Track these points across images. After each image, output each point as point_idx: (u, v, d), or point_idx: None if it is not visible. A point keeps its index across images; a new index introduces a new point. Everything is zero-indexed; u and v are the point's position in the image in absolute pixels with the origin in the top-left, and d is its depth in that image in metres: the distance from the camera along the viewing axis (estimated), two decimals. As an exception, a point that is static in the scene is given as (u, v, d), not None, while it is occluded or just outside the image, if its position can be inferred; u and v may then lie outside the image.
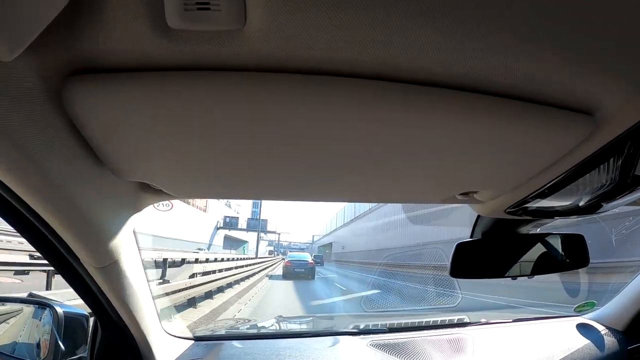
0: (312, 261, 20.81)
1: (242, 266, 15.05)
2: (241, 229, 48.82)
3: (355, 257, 32.55)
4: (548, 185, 0.77)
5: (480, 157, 0.67)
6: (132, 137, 0.60)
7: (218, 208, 46.02)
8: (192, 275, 9.09)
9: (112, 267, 0.89)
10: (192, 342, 1.41)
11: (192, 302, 7.42)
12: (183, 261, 11.26)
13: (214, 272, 10.50)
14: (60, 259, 0.85)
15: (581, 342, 1.43)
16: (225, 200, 41.86)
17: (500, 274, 1.16)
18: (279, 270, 21.15)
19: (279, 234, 63.62)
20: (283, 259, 29.98)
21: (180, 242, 26.21)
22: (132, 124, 0.56)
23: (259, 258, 27.88)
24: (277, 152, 0.65)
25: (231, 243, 46.47)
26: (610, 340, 1.45)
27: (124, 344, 1.08)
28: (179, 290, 7.09)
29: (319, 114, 0.54)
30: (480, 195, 0.87)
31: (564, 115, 0.57)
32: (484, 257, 1.17)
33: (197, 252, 18.16)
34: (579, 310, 1.76)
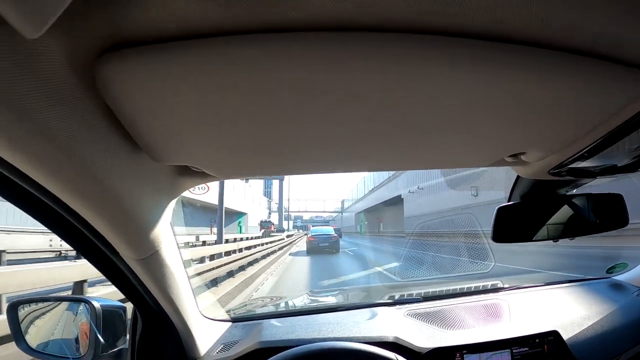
0: (335, 235, 21.43)
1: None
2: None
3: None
4: (595, 143, 0.79)
5: (532, 115, 0.67)
6: (172, 116, 0.60)
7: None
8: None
9: (153, 258, 0.92)
10: (230, 323, 1.51)
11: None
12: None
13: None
14: (97, 254, 0.88)
15: (615, 303, 1.49)
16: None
17: (542, 237, 1.21)
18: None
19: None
20: (306, 234, 30.04)
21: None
22: (173, 101, 0.56)
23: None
24: (325, 122, 0.65)
25: (205, 216, 29.92)
26: None
27: (165, 331, 1.16)
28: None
29: (372, 75, 0.53)
30: (528, 156, 0.89)
31: (617, 70, 0.57)
32: (525, 220, 1.21)
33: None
34: (611, 272, 1.82)
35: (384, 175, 45.06)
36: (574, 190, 1.22)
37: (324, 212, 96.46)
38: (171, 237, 1.00)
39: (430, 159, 0.94)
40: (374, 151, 0.82)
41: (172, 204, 0.93)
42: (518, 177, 1.16)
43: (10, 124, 0.47)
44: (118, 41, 0.49)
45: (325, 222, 76.00)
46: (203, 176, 0.90)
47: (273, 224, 46.45)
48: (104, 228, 0.77)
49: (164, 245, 0.94)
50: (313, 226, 34.71)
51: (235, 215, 39.84)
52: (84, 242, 0.84)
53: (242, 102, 0.57)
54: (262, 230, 34.83)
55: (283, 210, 61.28)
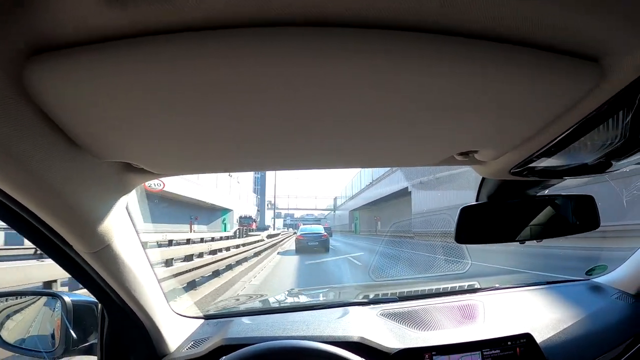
0: (325, 233, 20.85)
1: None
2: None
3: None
4: (553, 142, 0.77)
5: (479, 111, 0.65)
6: (104, 114, 0.60)
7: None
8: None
9: (105, 251, 0.93)
10: (202, 320, 1.52)
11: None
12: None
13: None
14: (54, 247, 0.89)
15: (593, 305, 1.51)
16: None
17: (508, 238, 1.21)
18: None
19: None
20: (295, 232, 29.14)
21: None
22: (103, 100, 0.56)
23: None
24: (263, 117, 0.64)
25: (184, 211, 28.16)
26: (622, 304, 1.51)
27: (132, 327, 1.17)
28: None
29: (309, 70, 0.53)
30: (481, 155, 0.87)
31: (568, 62, 0.55)
32: (491, 221, 1.21)
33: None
34: (590, 274, 1.84)
35: (384, 169, 37.01)
36: (546, 191, 1.22)
37: (315, 209, 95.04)
38: (129, 231, 1.02)
39: (376, 157, 0.93)
40: (312, 149, 0.82)
41: (123, 200, 0.94)
42: (483, 177, 1.15)
43: None
44: (40, 46, 0.49)
45: (317, 221, 73.02)
46: (145, 173, 0.90)
47: (255, 221, 40.01)
48: (54, 223, 0.79)
49: (117, 239, 0.95)
50: (304, 224, 34.27)
51: (220, 212, 37.16)
52: (42, 238, 0.86)
53: (173, 100, 0.57)
54: (237, 229, 28.24)
55: (268, 207, 58.37)
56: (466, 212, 1.19)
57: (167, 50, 0.49)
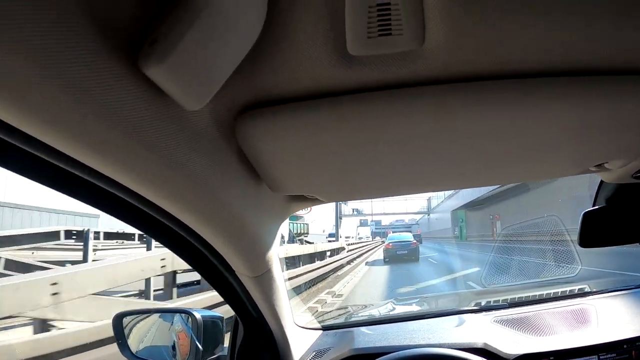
0: (415, 241, 20.45)
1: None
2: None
3: None
4: None
5: (614, 131, 0.77)
6: (296, 158, 0.73)
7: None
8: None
9: (265, 275, 1.04)
10: (321, 332, 1.61)
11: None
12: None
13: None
14: (213, 271, 1.01)
15: None
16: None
17: (629, 240, 1.27)
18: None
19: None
20: (383, 241, 28.68)
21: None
22: (299, 147, 0.69)
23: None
24: (432, 152, 0.77)
25: None
26: None
27: (263, 339, 1.26)
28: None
29: (479, 115, 0.65)
30: (611, 164, 0.96)
31: None
32: (613, 223, 1.27)
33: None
34: None
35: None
36: None
37: (406, 213, 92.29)
38: (277, 255, 1.11)
39: (524, 172, 1.07)
40: (468, 173, 0.95)
41: (282, 225, 1.06)
42: (602, 181, 1.20)
43: (156, 167, 0.56)
44: (254, 101, 0.60)
45: (407, 228, 68.06)
46: (313, 200, 1.03)
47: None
48: (225, 249, 0.90)
49: (274, 263, 1.06)
50: (393, 232, 33.42)
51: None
52: (203, 261, 0.97)
53: (354, 147, 0.69)
54: None
55: (354, 213, 55.97)
56: (589, 217, 1.26)
57: (374, 105, 0.60)
